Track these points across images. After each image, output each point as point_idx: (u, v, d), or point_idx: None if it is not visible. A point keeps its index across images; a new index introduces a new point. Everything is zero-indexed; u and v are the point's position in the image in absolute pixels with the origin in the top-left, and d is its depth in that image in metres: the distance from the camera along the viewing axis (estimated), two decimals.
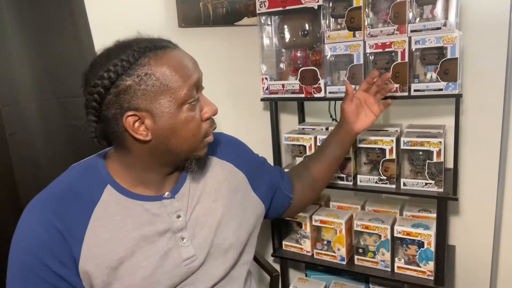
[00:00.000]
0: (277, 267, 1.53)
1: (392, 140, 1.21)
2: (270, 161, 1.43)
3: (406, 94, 1.16)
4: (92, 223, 0.74)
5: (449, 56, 1.09)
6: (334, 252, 1.36)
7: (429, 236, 1.19)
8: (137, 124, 0.72)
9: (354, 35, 1.20)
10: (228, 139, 1.01)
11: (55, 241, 0.71)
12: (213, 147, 0.93)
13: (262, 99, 1.40)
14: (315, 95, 1.28)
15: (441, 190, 1.16)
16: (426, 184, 1.18)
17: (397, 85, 1.16)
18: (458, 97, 1.09)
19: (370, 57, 1.20)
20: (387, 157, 1.22)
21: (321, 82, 1.26)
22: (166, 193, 0.82)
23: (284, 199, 1.08)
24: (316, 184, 1.13)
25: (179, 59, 0.74)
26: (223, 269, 0.87)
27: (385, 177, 1.24)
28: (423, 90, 1.13)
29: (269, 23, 1.37)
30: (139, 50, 0.71)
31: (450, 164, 1.20)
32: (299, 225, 1.41)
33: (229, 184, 0.91)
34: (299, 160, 1.38)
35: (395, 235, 1.24)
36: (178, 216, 0.81)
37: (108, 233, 0.74)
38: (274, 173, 1.08)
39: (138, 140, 0.74)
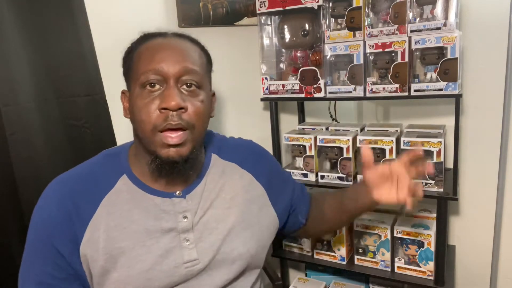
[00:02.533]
0: (277, 267, 1.53)
1: (392, 140, 1.21)
2: None
3: (406, 94, 1.15)
4: (100, 209, 0.76)
5: (449, 56, 1.09)
6: (334, 252, 1.36)
7: (429, 236, 1.19)
8: (125, 102, 0.81)
9: (354, 35, 1.20)
10: (255, 149, 0.99)
11: (63, 220, 0.74)
12: (236, 154, 0.93)
13: (262, 99, 1.40)
14: (315, 95, 1.28)
15: (441, 190, 1.16)
16: (426, 184, 1.18)
17: (397, 85, 1.16)
18: (458, 97, 1.09)
19: (370, 57, 1.20)
20: (387, 157, 1.22)
21: (321, 82, 1.26)
22: (178, 192, 0.81)
23: (296, 222, 1.03)
24: (324, 218, 1.04)
25: (157, 46, 0.77)
26: (226, 278, 0.84)
27: None
28: (423, 90, 1.13)
29: (269, 23, 1.37)
30: (137, 40, 0.80)
31: (450, 164, 1.20)
32: None
33: (246, 194, 0.89)
34: (299, 160, 1.38)
35: (395, 235, 1.24)
36: (185, 217, 0.80)
37: (113, 220, 0.76)
38: (297, 193, 1.03)
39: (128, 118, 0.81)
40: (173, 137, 0.72)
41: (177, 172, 0.77)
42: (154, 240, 0.77)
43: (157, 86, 0.73)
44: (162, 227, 0.78)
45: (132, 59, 0.78)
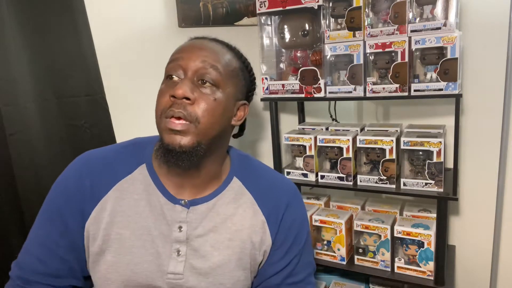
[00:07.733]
0: None
1: (392, 140, 1.21)
2: (270, 161, 1.44)
3: (406, 94, 1.16)
4: (112, 192, 0.79)
5: (449, 56, 1.09)
6: (334, 252, 1.36)
7: (429, 236, 1.19)
8: None
9: (354, 35, 1.20)
10: (288, 194, 0.88)
11: (77, 194, 0.78)
12: (260, 189, 0.86)
13: (262, 99, 1.40)
14: (315, 95, 1.28)
15: (441, 190, 1.16)
16: (426, 184, 1.18)
17: (397, 85, 1.16)
18: (458, 97, 1.09)
19: (370, 57, 1.20)
20: (387, 157, 1.22)
21: (321, 82, 1.26)
22: (184, 200, 0.80)
23: None
24: None
25: (188, 43, 0.81)
26: None
27: (385, 177, 1.24)
28: (423, 90, 1.13)
29: (269, 23, 1.37)
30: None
31: (450, 164, 1.20)
32: None
33: (252, 235, 0.82)
34: (299, 160, 1.38)
35: (395, 235, 1.24)
36: (180, 227, 0.79)
37: (120, 206, 0.78)
38: (285, 274, 0.85)
39: None
40: (176, 123, 0.73)
41: (175, 164, 0.74)
42: (150, 238, 0.78)
43: (176, 78, 0.76)
44: (160, 229, 0.78)
45: None
